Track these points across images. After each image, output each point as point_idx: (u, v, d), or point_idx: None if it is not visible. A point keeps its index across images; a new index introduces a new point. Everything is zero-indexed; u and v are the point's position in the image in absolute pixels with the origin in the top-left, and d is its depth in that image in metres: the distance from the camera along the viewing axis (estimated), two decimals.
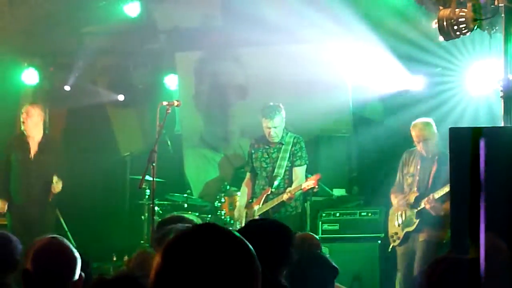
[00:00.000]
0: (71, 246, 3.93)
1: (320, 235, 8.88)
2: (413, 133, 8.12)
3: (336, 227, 9.09)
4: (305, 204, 9.14)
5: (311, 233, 6.95)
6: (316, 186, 8.34)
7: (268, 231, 4.25)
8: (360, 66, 9.65)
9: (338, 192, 9.70)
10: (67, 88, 11.25)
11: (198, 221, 6.00)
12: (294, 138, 8.67)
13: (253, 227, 4.42)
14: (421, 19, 8.40)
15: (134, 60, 11.43)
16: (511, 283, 3.67)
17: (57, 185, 9.02)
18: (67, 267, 3.83)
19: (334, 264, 4.92)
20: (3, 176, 9.31)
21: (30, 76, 11.24)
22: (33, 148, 9.17)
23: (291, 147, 8.60)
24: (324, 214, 9.18)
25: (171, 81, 11.40)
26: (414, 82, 9.35)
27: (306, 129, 9.65)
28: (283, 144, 8.65)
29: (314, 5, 9.24)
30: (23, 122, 9.13)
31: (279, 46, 10.20)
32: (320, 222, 9.15)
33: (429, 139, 8.07)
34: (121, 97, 11.73)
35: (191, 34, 10.86)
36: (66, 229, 10.22)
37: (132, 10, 10.20)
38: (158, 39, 11.28)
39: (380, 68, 9.39)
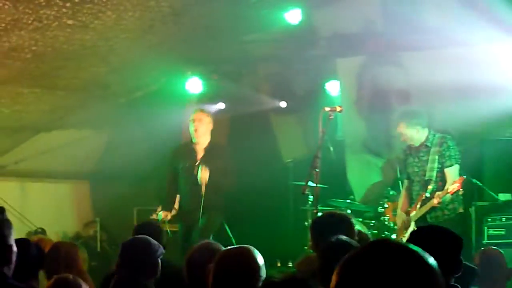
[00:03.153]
0: (257, 255, 4.33)
1: (486, 241, 9.18)
2: None
3: (503, 232, 9.24)
4: (470, 209, 9.40)
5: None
6: (461, 189, 8.37)
7: (437, 238, 4.44)
8: None
9: (504, 196, 9.69)
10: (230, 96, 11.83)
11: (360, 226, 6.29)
12: (440, 138, 8.86)
13: (420, 235, 4.61)
14: None
15: (295, 66, 11.85)
16: None
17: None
18: (253, 277, 4.22)
19: None
20: (171, 187, 9.86)
21: (194, 85, 11.91)
22: (200, 154, 9.57)
23: (438, 148, 8.79)
24: (489, 219, 9.34)
25: (332, 87, 11.76)
26: None
27: (469, 133, 9.92)
28: (430, 146, 8.87)
29: (475, 7, 9.37)
30: (195, 130, 9.57)
31: (440, 50, 10.31)
32: (486, 227, 9.32)
33: None
34: (283, 104, 12.29)
35: (352, 39, 11.16)
36: (230, 234, 10.68)
37: (293, 17, 10.50)
38: (319, 45, 11.60)
39: None
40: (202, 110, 9.83)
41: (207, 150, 9.66)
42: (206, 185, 9.30)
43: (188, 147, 9.79)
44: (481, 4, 9.32)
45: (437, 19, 9.93)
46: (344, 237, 4.80)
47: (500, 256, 7.38)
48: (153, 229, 6.75)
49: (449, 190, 8.38)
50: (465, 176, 8.52)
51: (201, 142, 9.68)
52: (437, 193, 8.56)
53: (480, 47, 9.86)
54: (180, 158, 9.78)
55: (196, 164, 9.53)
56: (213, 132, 9.82)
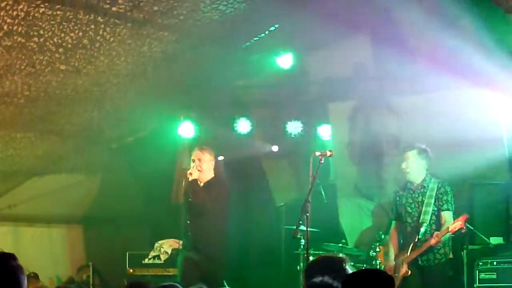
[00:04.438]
0: None
1: (477, 284, 9.14)
2: None
3: (494, 275, 9.14)
4: (462, 252, 9.32)
5: None
6: (464, 227, 8.39)
7: (371, 280, 4.33)
8: None
9: (495, 240, 9.66)
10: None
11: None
12: (438, 183, 8.88)
13: (356, 278, 4.48)
14: None
15: (287, 111, 11.81)
16: None
17: None
18: None
19: None
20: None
21: (186, 129, 11.83)
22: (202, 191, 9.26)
23: (436, 192, 8.81)
24: (481, 263, 9.23)
25: (324, 131, 11.77)
26: None
27: (460, 177, 9.83)
28: (426, 189, 8.88)
29: (467, 51, 9.25)
30: (199, 170, 9.28)
31: (431, 93, 10.31)
32: (477, 271, 9.22)
33: None
34: (275, 148, 12.28)
35: (343, 83, 11.18)
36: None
37: (285, 62, 10.62)
38: (310, 90, 11.67)
39: None
40: (202, 149, 9.57)
41: (205, 184, 9.41)
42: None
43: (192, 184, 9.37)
44: (471, 48, 9.27)
45: (428, 63, 9.87)
46: (328, 279, 4.75)
47: None
48: None
49: (450, 229, 8.38)
50: (467, 215, 8.54)
51: (202, 179, 9.43)
52: (436, 232, 8.55)
53: (470, 90, 9.86)
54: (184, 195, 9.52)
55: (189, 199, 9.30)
56: None
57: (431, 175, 9.04)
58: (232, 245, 10.51)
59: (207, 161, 9.43)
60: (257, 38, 10.27)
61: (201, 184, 9.39)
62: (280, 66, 10.72)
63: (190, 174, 9.29)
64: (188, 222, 9.33)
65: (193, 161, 9.41)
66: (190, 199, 9.28)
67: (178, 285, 5.17)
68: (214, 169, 9.52)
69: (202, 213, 9.20)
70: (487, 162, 9.94)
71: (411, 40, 9.93)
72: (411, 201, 9.05)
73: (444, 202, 8.83)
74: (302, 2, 9.42)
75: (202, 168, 9.36)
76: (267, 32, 10.12)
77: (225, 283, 10.13)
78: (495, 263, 9.26)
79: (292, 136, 11.76)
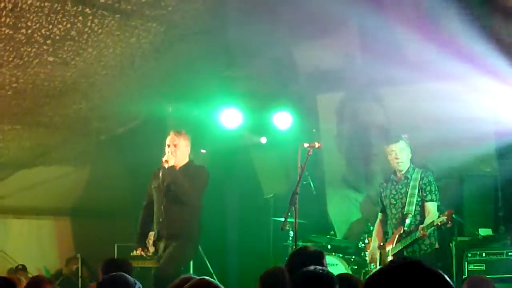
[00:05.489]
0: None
1: (465, 276, 9.03)
2: None
3: (483, 267, 9.15)
4: (450, 244, 9.36)
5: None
6: (450, 222, 8.23)
7: (313, 279, 4.50)
8: (504, 102, 9.67)
9: (484, 232, 9.66)
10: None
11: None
12: (421, 173, 8.81)
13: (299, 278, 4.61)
14: None
15: (276, 102, 11.73)
16: None
17: None
18: None
19: None
20: (143, 216, 9.16)
21: (175, 121, 11.57)
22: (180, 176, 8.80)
23: (419, 182, 8.73)
24: (470, 255, 9.26)
25: (312, 123, 11.68)
26: None
27: (449, 169, 9.90)
28: (409, 179, 8.81)
29: (455, 42, 9.26)
30: (174, 155, 8.80)
31: (420, 84, 10.27)
32: (466, 263, 9.24)
33: None
34: (263, 140, 12.26)
35: (331, 75, 11.14)
36: (211, 270, 10.48)
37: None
38: (298, 81, 11.56)
39: None
40: (177, 133, 9.02)
41: (182, 169, 8.93)
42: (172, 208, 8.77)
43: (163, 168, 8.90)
44: (460, 40, 9.23)
45: (417, 54, 9.86)
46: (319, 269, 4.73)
47: (487, 282, 7.23)
48: (121, 265, 6.57)
49: (435, 223, 8.24)
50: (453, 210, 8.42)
51: (177, 164, 8.94)
52: (421, 225, 8.43)
53: (459, 82, 9.83)
54: (154, 179, 9.09)
55: (166, 183, 8.82)
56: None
57: (414, 166, 8.97)
58: (221, 236, 10.54)
59: (183, 146, 8.94)
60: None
61: (177, 169, 8.89)
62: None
63: (166, 161, 8.75)
64: (163, 209, 8.84)
65: (168, 146, 8.87)
66: (166, 184, 8.78)
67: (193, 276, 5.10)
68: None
69: (180, 198, 8.71)
70: (476, 154, 9.99)
71: (399, 32, 9.88)
72: (395, 192, 8.99)
73: (427, 192, 8.72)
74: None
75: (177, 153, 8.85)
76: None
77: (210, 268, 10.20)
78: (484, 254, 9.28)
79: (280, 127, 11.68)
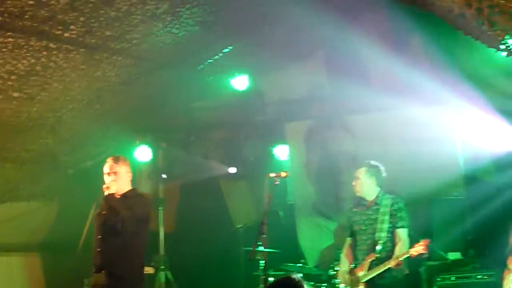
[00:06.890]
0: None
1: None
2: None
3: None
4: (420, 269, 9.36)
5: None
6: (426, 252, 8.11)
7: None
8: (469, 127, 9.75)
9: (453, 255, 9.72)
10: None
11: None
12: (391, 199, 8.74)
13: None
14: None
15: (244, 132, 11.84)
16: None
17: None
18: None
19: None
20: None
21: (143, 153, 11.69)
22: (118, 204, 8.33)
23: (390, 208, 8.67)
24: (439, 279, 9.31)
25: (281, 152, 11.78)
26: None
27: (418, 194, 9.90)
28: (379, 206, 8.76)
29: (420, 69, 9.38)
30: (115, 184, 8.36)
31: (388, 111, 10.36)
32: (436, 287, 9.30)
33: None
34: (232, 170, 12.23)
35: (299, 104, 11.23)
36: None
37: (240, 83, 10.56)
38: (266, 110, 11.62)
39: (489, 128, 9.52)
40: (117, 160, 8.58)
41: (122, 196, 8.48)
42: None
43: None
44: (425, 66, 9.40)
45: (383, 82, 9.97)
46: None
47: None
48: None
49: (411, 253, 8.17)
50: (429, 240, 8.35)
51: (118, 192, 8.49)
52: (396, 255, 8.39)
53: (427, 108, 9.91)
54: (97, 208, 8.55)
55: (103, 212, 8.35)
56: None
57: (384, 192, 8.94)
58: (191, 267, 10.46)
59: (123, 173, 8.48)
60: (211, 60, 10.21)
61: (118, 197, 8.44)
62: (236, 88, 10.64)
63: (107, 188, 8.32)
64: (100, 238, 8.33)
65: (108, 174, 8.43)
66: (103, 213, 8.32)
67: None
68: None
69: (116, 228, 8.17)
70: (444, 179, 10.03)
71: (365, 60, 9.95)
72: (365, 218, 8.94)
73: (398, 219, 8.66)
74: (255, 25, 9.42)
75: (118, 181, 8.39)
76: (221, 54, 10.07)
77: None
78: (453, 278, 9.35)
79: (250, 157, 11.75)
